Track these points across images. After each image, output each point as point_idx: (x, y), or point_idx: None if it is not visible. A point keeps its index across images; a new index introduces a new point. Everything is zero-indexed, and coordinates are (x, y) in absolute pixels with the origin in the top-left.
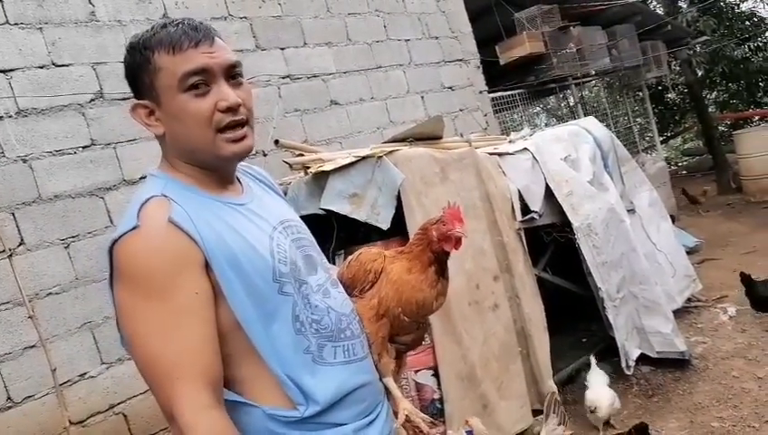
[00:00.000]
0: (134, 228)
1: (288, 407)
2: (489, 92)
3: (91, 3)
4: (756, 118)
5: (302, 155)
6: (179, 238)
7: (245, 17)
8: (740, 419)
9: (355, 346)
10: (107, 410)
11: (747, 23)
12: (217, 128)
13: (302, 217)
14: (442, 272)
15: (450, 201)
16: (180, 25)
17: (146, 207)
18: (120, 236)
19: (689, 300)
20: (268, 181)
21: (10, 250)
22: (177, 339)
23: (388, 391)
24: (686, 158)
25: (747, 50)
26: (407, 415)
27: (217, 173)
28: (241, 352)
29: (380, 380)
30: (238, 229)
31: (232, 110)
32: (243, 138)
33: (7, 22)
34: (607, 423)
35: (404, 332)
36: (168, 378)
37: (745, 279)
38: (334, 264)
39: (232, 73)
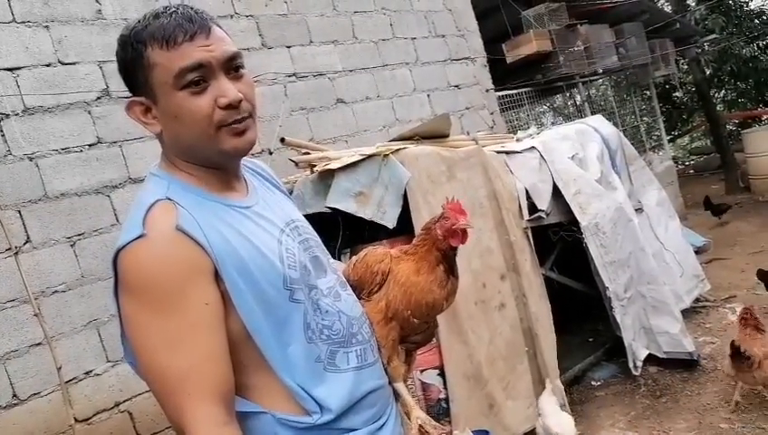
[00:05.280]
0: (140, 236)
1: (300, 413)
2: (496, 91)
3: (97, 1)
4: (765, 117)
5: (308, 153)
6: (188, 247)
7: (251, 15)
8: (749, 420)
9: (366, 351)
10: (112, 407)
11: (756, 21)
12: (218, 126)
13: (308, 216)
14: (451, 270)
15: (448, 197)
16: (173, 15)
17: (151, 212)
18: (125, 245)
19: (697, 300)
20: (270, 177)
21: (16, 248)
22: (187, 352)
23: (398, 397)
24: (694, 157)
25: (756, 48)
26: (420, 425)
27: (220, 171)
28: (252, 361)
29: (390, 384)
30: (246, 235)
31: (233, 106)
32: (244, 131)
33: (14, 20)
34: None
35: (414, 332)
36: (178, 393)
37: (764, 276)
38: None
39: (232, 65)
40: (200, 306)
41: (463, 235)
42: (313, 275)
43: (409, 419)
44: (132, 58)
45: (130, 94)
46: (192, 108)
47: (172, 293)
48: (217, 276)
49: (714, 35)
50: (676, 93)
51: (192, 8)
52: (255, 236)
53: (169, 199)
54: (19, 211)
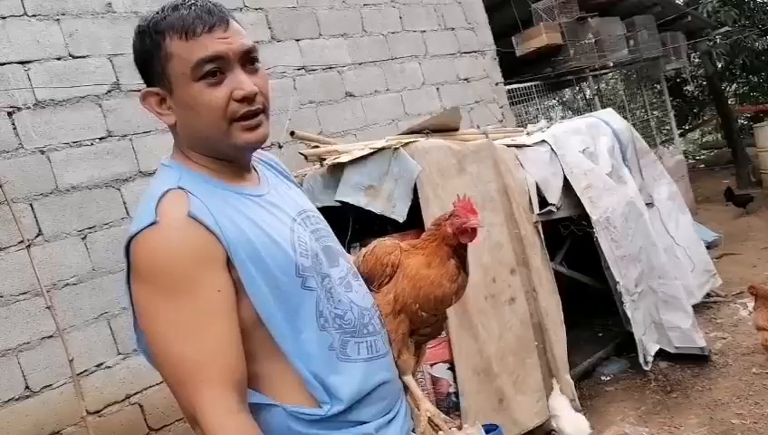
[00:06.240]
0: (152, 224)
1: (311, 405)
2: (505, 84)
3: None
4: None
5: (318, 147)
6: (200, 233)
7: (261, 8)
8: (761, 416)
9: (377, 342)
10: (123, 400)
11: None
12: (232, 118)
13: (318, 210)
14: (463, 265)
15: (460, 195)
16: (193, 7)
17: (163, 200)
18: (137, 233)
19: (708, 295)
20: (282, 169)
21: (28, 241)
22: (200, 339)
23: (407, 390)
24: (705, 151)
25: None
26: (429, 417)
27: (233, 163)
28: (263, 349)
29: (400, 377)
30: (258, 222)
31: (248, 99)
32: (258, 126)
33: (26, 13)
34: None
35: (422, 326)
36: (191, 380)
37: None
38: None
39: (248, 59)
40: (212, 293)
41: (473, 233)
42: (326, 265)
43: (419, 411)
44: (149, 48)
45: (144, 86)
46: (208, 99)
47: (184, 279)
48: (229, 264)
49: (726, 28)
50: (687, 87)
51: (210, 1)
52: (267, 224)
53: (181, 188)
54: (31, 204)
